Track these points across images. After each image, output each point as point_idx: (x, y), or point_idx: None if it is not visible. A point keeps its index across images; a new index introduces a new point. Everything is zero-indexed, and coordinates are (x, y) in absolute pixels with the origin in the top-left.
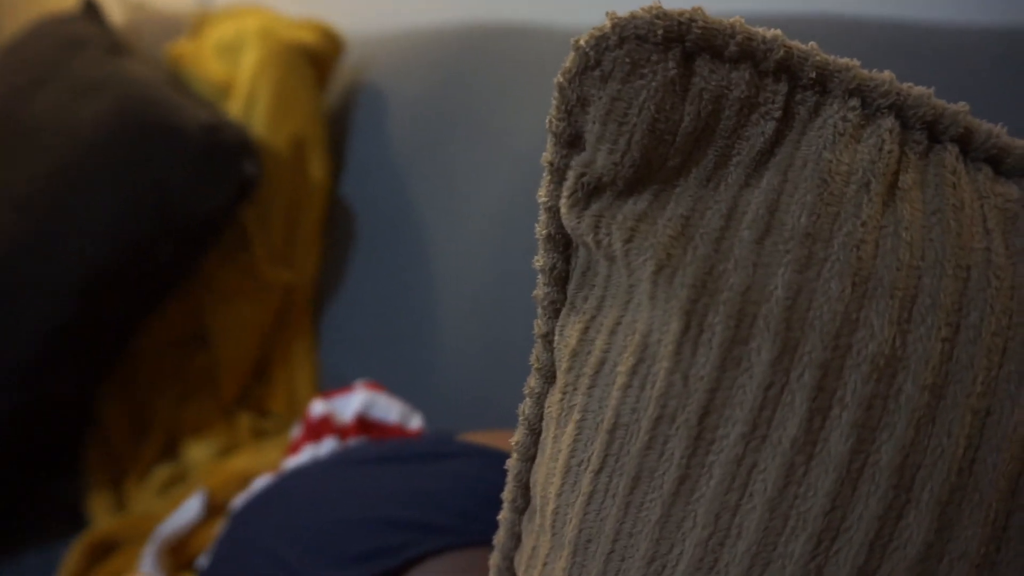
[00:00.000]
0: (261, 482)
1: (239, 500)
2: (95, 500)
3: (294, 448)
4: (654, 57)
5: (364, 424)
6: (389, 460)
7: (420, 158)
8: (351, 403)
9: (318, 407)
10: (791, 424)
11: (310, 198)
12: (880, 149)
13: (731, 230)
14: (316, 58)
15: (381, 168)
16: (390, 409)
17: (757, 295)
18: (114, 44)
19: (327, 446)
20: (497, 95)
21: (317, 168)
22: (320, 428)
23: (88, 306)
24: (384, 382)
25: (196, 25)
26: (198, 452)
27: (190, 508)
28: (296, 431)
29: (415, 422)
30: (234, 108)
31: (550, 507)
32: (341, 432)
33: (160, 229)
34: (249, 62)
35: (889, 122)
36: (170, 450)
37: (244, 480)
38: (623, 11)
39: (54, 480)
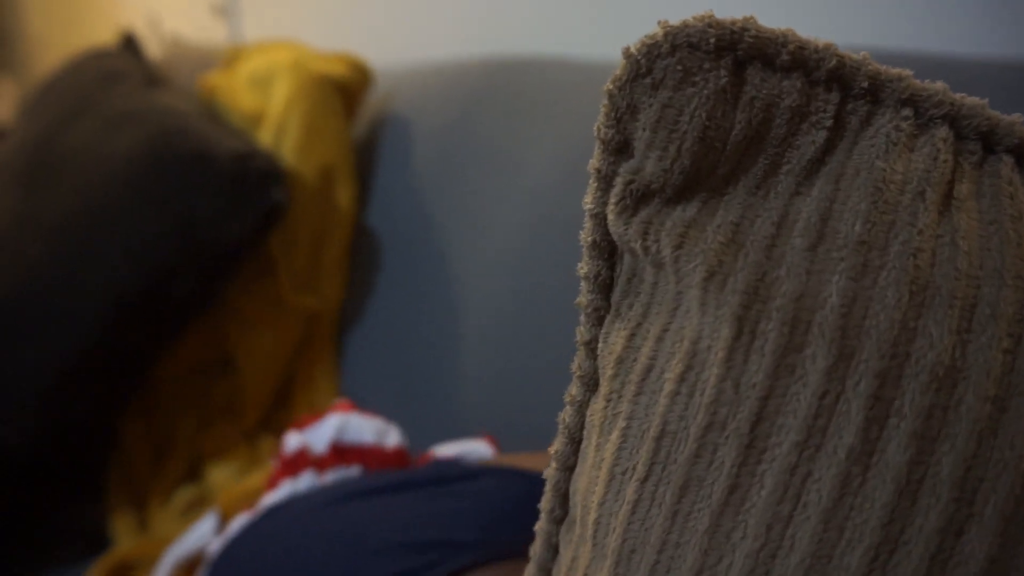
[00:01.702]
0: (239, 523)
1: (215, 545)
2: (118, 523)
3: (271, 483)
4: (706, 65)
5: (340, 451)
6: (403, 487)
7: (443, 187)
8: (323, 432)
9: (292, 440)
10: (847, 433)
11: (336, 226)
12: (935, 159)
13: (783, 238)
14: (345, 90)
15: (405, 197)
16: (363, 430)
17: (811, 302)
18: (150, 77)
19: (305, 481)
20: (517, 126)
21: (344, 196)
22: (296, 462)
23: (112, 332)
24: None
25: (229, 59)
26: (220, 475)
27: (202, 528)
28: (273, 464)
29: (392, 438)
30: (265, 138)
31: (592, 516)
32: (318, 463)
33: (187, 256)
34: (280, 94)
35: (943, 132)
36: (193, 473)
37: (257, 498)
38: (642, 35)
39: (77, 503)
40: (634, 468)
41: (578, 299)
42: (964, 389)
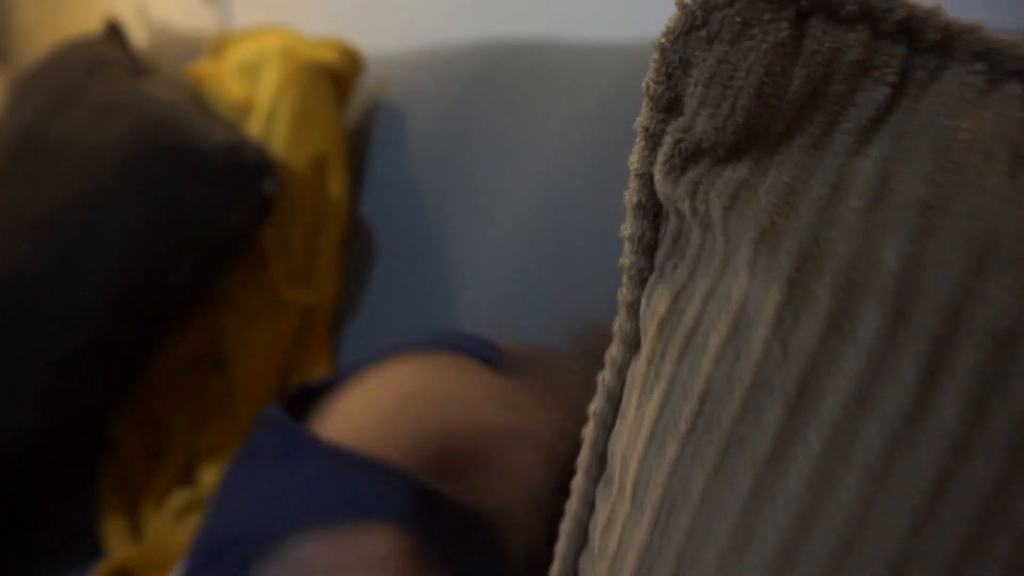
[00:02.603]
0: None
1: None
2: (110, 526)
3: None
4: (766, 16)
5: None
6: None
7: (440, 175)
8: None
9: None
10: (898, 395)
11: (330, 217)
12: (1007, 116)
13: (838, 199)
14: (336, 77)
15: (401, 186)
16: None
17: (866, 264)
18: (136, 66)
19: None
20: (514, 111)
21: (337, 186)
22: None
23: (105, 328)
24: None
25: (217, 46)
26: (215, 477)
27: None
28: None
29: None
30: (254, 127)
31: (631, 474)
32: None
33: (178, 250)
34: (269, 81)
35: (1017, 88)
36: (187, 475)
37: None
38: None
39: (69, 505)
40: (676, 427)
41: (621, 261)
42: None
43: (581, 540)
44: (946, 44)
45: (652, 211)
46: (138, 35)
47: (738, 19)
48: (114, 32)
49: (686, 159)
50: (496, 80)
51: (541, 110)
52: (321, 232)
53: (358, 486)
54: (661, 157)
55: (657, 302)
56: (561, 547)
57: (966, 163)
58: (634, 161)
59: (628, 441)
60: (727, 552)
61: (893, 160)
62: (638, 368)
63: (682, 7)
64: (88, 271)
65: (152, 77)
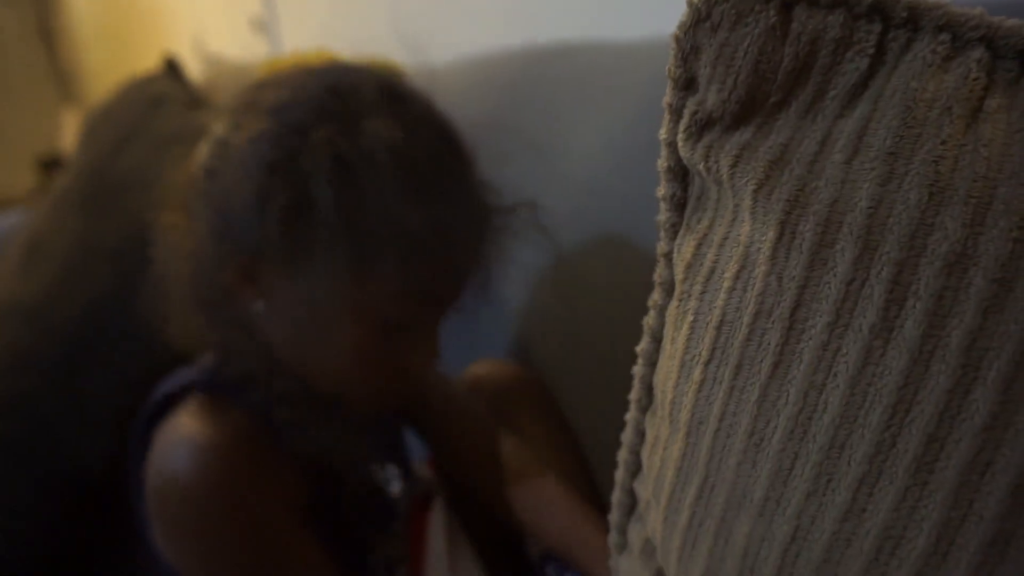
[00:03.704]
0: None
1: None
2: None
3: None
4: (756, 7)
5: None
6: None
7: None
8: None
9: None
10: (870, 313)
11: None
12: (966, 77)
13: (824, 154)
14: None
15: None
16: None
17: (843, 206)
18: (192, 99)
19: None
20: (554, 115)
21: None
22: None
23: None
24: None
25: (266, 74)
26: None
27: None
28: None
29: None
30: None
31: (668, 398)
32: None
33: None
34: None
35: (978, 52)
36: None
37: None
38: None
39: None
40: (700, 354)
41: (658, 217)
42: (974, 273)
43: (635, 466)
44: (914, 19)
45: (680, 174)
46: (194, 68)
47: (734, 11)
48: (172, 68)
49: (701, 127)
50: (537, 85)
51: (581, 112)
52: None
53: None
54: (682, 127)
55: (685, 250)
56: (619, 474)
57: (927, 118)
58: (663, 132)
59: (666, 371)
60: (742, 458)
61: (869, 119)
62: (671, 307)
63: (690, 4)
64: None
65: (208, 108)
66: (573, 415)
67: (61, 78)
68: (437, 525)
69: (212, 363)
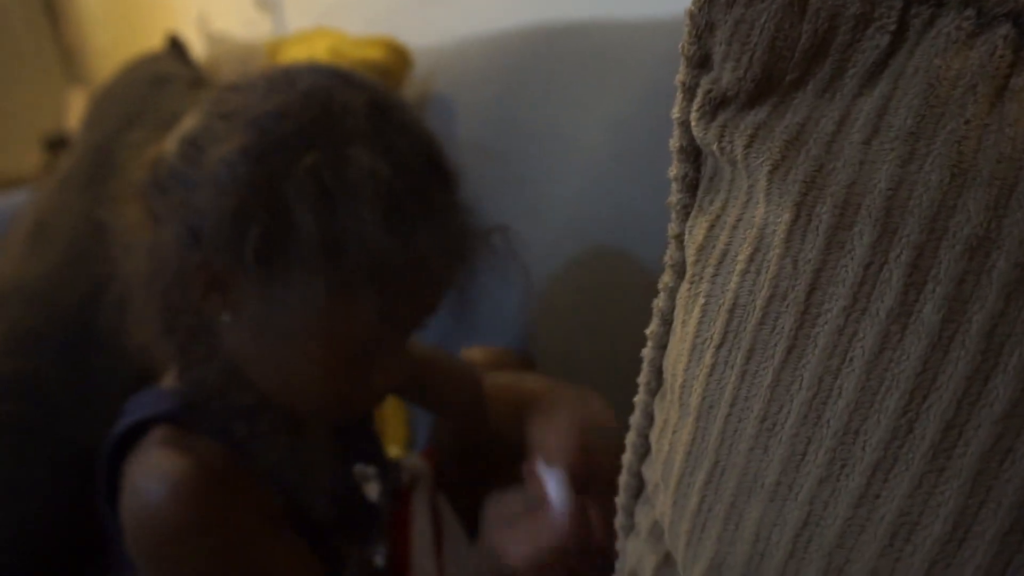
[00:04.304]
0: None
1: None
2: None
3: None
4: None
5: None
6: None
7: (491, 164)
8: None
9: None
10: (888, 297)
11: None
12: (991, 54)
13: (842, 134)
14: (385, 73)
15: None
16: None
17: (862, 188)
18: (196, 78)
19: None
20: (560, 94)
21: None
22: None
23: None
24: None
25: (270, 52)
26: None
27: None
28: None
29: None
30: None
31: (678, 381)
32: None
33: None
34: None
35: (1004, 29)
36: None
37: None
38: None
39: None
40: (712, 337)
41: (669, 199)
42: (997, 257)
43: (643, 448)
44: None
45: (693, 154)
46: (199, 47)
47: None
48: (175, 47)
49: (715, 106)
50: (540, 64)
51: (587, 91)
52: None
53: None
54: (695, 105)
55: (697, 232)
56: (627, 457)
57: (951, 97)
58: (675, 111)
59: (677, 354)
60: (754, 443)
61: (889, 98)
62: (682, 290)
63: None
64: None
65: (210, 87)
66: None
67: (66, 57)
68: (420, 503)
69: (172, 390)
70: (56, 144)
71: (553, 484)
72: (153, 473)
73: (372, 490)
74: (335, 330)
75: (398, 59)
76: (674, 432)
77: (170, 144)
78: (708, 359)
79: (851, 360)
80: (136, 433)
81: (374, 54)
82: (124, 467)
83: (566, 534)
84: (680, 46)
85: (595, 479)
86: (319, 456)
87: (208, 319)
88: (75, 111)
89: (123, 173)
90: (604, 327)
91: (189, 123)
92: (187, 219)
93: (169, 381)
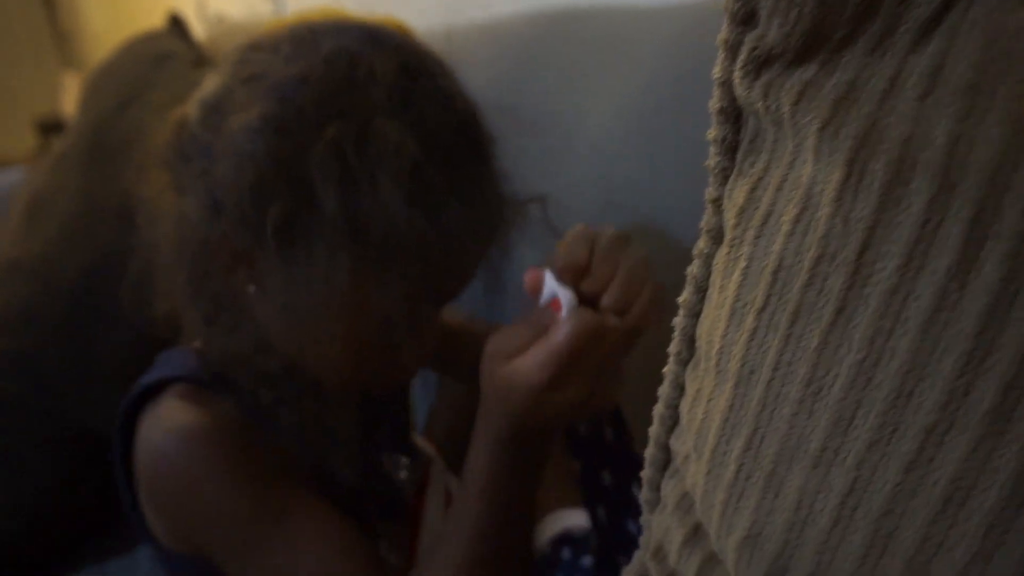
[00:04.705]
0: None
1: None
2: None
3: None
4: None
5: None
6: None
7: (498, 149)
8: None
9: None
10: (946, 255)
11: None
12: None
13: (895, 91)
14: None
15: None
16: None
17: (918, 143)
18: (197, 57)
19: None
20: (567, 80)
21: None
22: None
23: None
24: None
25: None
26: None
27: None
28: None
29: None
30: None
31: (715, 348)
32: None
33: None
34: None
35: None
36: None
37: None
38: None
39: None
40: (753, 300)
41: (707, 162)
42: None
43: (672, 420)
44: None
45: (733, 115)
46: (198, 29)
47: None
48: (176, 25)
49: (760, 65)
50: (545, 49)
51: (592, 77)
52: None
53: None
54: (739, 64)
55: (737, 194)
56: (654, 429)
57: (1013, 50)
58: (716, 71)
59: (713, 321)
60: (798, 408)
61: (946, 54)
62: (721, 255)
63: None
64: None
65: (211, 67)
66: None
67: (61, 40)
68: (434, 492)
69: (194, 358)
70: (51, 128)
71: (565, 297)
72: (166, 423)
73: (400, 473)
74: (362, 306)
75: None
76: (709, 400)
77: (192, 108)
78: (749, 323)
79: (905, 320)
80: (156, 392)
81: None
82: (139, 422)
83: (583, 342)
84: (724, 3)
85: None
86: (347, 424)
87: (235, 290)
88: (70, 95)
89: (146, 140)
90: None
91: (211, 85)
92: (209, 190)
93: (197, 345)
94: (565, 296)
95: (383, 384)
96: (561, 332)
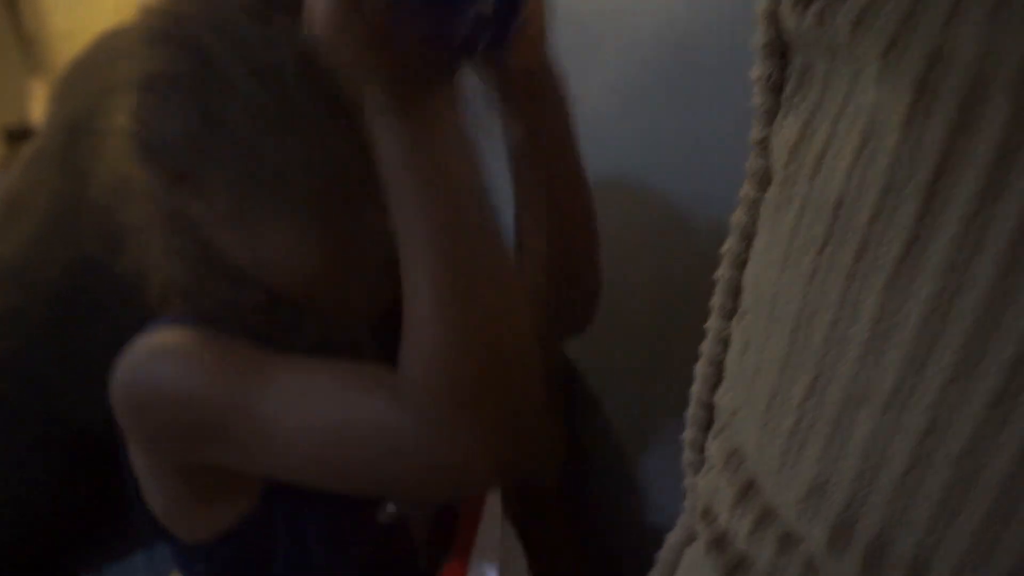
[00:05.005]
0: None
1: None
2: None
3: None
4: None
5: None
6: None
7: (490, 131)
8: None
9: None
10: None
11: None
12: None
13: (961, 9)
14: None
15: None
16: None
17: (991, 62)
18: None
19: None
20: (562, 55)
21: None
22: None
23: None
24: None
25: None
26: None
27: None
28: None
29: None
30: None
31: (767, 295)
32: None
33: None
34: None
35: None
36: None
37: None
38: None
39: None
40: (811, 240)
41: (752, 100)
42: None
43: (716, 377)
44: None
45: (779, 51)
46: None
47: None
48: None
49: None
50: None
51: (591, 51)
52: None
53: None
54: None
55: (787, 133)
56: (696, 388)
57: None
58: (762, 4)
59: (764, 266)
60: (865, 348)
61: None
62: (771, 197)
63: None
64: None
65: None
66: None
67: (27, 46)
68: (492, 515)
69: (185, 310)
70: (18, 135)
71: None
72: (136, 351)
73: None
74: (287, 189)
75: None
76: (761, 351)
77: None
78: (807, 264)
79: (985, 247)
80: None
81: None
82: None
83: None
84: None
85: None
86: (356, 339)
87: (196, 227)
88: (38, 102)
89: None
90: (614, 299)
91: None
92: (138, 131)
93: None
94: None
95: (358, 289)
96: None
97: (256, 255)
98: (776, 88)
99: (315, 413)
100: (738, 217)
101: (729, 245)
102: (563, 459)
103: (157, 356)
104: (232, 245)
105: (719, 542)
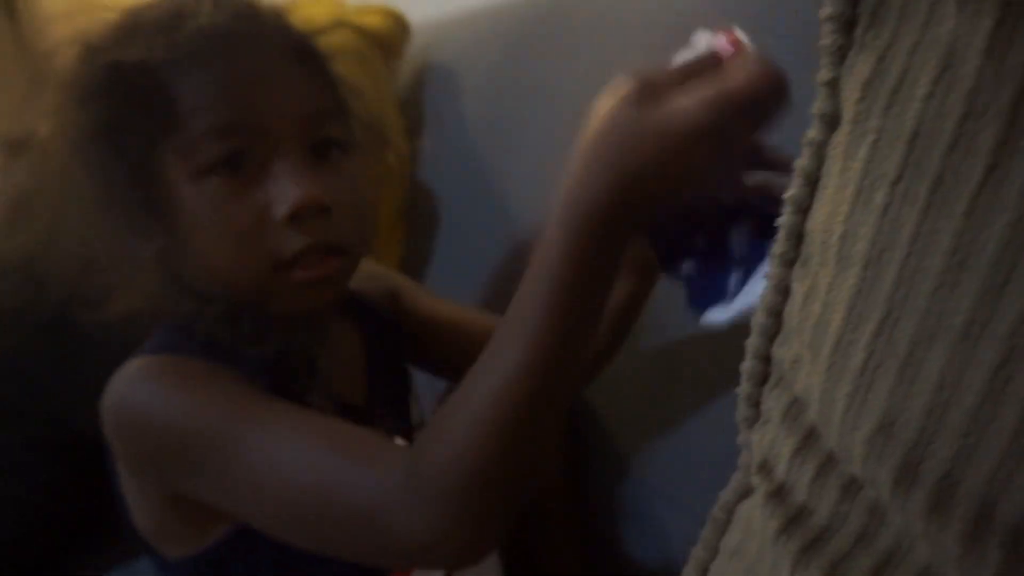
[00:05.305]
0: None
1: None
2: None
3: None
4: None
5: None
6: None
7: (496, 135)
8: None
9: None
10: None
11: (388, 185)
12: None
13: None
14: (384, 42)
15: (457, 149)
16: None
17: None
18: None
19: None
20: (565, 64)
21: (392, 154)
22: None
23: None
24: None
25: None
26: None
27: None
28: None
29: None
30: None
31: (835, 236)
32: None
33: None
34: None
35: None
36: None
37: None
38: None
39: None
40: (885, 175)
41: (821, 42)
42: None
43: (774, 329)
44: None
45: None
46: None
47: None
48: None
49: None
50: (543, 34)
51: (590, 60)
52: (380, 201)
53: None
54: None
55: (860, 68)
56: (752, 341)
57: None
58: None
59: (831, 208)
60: (940, 281)
61: None
62: (840, 138)
63: None
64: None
65: None
66: None
67: (28, 56)
68: None
69: (166, 333)
70: (18, 146)
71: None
72: (123, 375)
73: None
74: (185, 155)
75: (397, 27)
76: (828, 293)
77: None
78: (880, 199)
79: None
80: None
81: (373, 21)
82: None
83: (764, 89)
84: None
85: None
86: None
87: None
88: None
89: None
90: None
91: None
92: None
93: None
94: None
95: (287, 275)
96: (742, 72)
97: (188, 254)
98: (848, 27)
99: (301, 470)
100: (802, 162)
101: (793, 191)
102: (563, 460)
103: (146, 381)
104: (169, 254)
105: (778, 493)
